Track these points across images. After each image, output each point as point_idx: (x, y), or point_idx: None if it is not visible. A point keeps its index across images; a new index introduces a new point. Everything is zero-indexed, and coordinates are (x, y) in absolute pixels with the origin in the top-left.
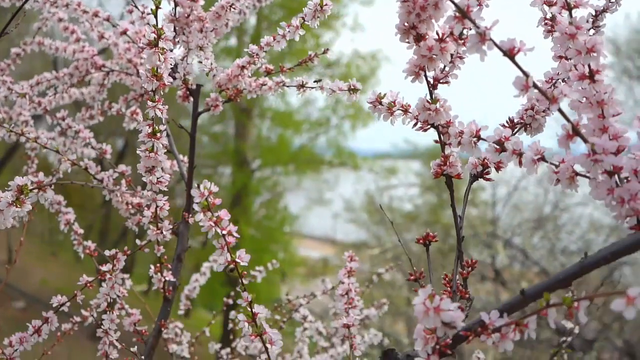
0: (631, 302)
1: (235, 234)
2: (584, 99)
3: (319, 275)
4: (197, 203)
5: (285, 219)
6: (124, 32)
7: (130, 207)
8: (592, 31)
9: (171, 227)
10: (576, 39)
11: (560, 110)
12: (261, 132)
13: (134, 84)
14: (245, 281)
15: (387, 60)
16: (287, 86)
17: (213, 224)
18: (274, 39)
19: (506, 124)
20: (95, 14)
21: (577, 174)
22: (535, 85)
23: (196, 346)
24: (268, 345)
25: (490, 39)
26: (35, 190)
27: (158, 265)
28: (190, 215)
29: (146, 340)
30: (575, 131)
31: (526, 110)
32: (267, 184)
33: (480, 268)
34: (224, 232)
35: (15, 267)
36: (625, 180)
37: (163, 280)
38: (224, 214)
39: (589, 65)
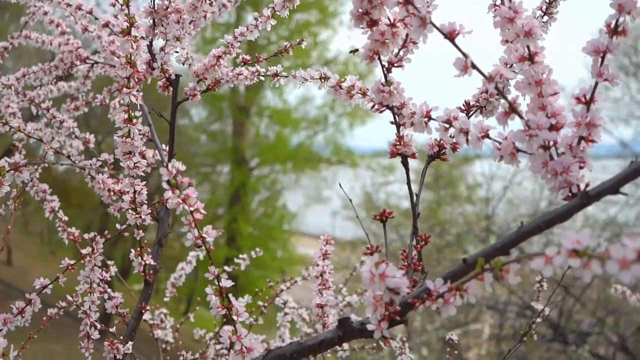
0: (549, 261)
1: (203, 211)
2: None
3: None
4: (165, 181)
5: (283, 217)
6: (106, 25)
7: (112, 194)
8: (545, 17)
9: (150, 211)
10: (515, 22)
11: (497, 89)
12: (259, 130)
13: (118, 76)
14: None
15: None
16: (263, 76)
17: (181, 201)
18: (247, 29)
19: (462, 107)
20: (79, 7)
21: (518, 150)
22: (473, 66)
23: (194, 344)
24: (234, 317)
25: (431, 23)
26: (12, 172)
27: (138, 249)
28: None
29: (128, 322)
30: (512, 108)
31: (481, 93)
32: (265, 182)
33: None
34: (192, 209)
35: (15, 267)
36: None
37: (143, 263)
38: (192, 192)
39: (528, 47)
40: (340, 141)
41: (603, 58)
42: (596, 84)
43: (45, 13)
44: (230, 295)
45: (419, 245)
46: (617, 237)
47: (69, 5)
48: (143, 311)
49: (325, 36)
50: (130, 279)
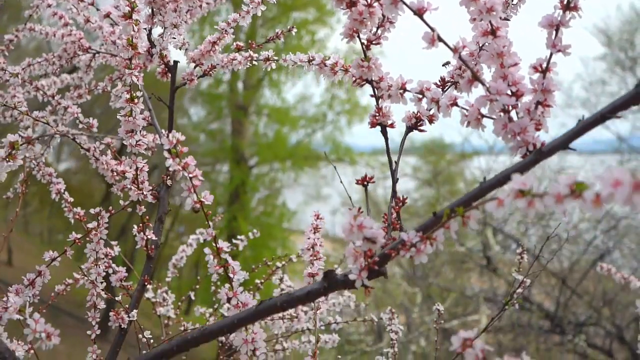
0: (501, 204)
1: (201, 178)
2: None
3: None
4: (166, 150)
5: (283, 215)
6: (107, 15)
7: (115, 174)
8: (515, 0)
9: (151, 188)
10: (478, 1)
11: (461, 59)
12: (258, 129)
13: (119, 64)
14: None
15: (382, 55)
16: (255, 60)
17: (181, 168)
18: (240, 15)
19: (438, 82)
20: None
21: (482, 115)
22: (440, 39)
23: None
24: (231, 275)
25: (401, 1)
26: (25, 145)
27: (141, 225)
28: (169, 178)
29: (131, 295)
30: (474, 77)
31: (455, 70)
32: (264, 180)
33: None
34: (191, 175)
35: (15, 267)
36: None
37: (145, 238)
38: (191, 160)
39: (490, 23)
40: (339, 139)
41: (557, 31)
42: (551, 54)
43: (49, 5)
44: (227, 256)
45: (397, 207)
46: (614, 228)
47: None
48: (146, 283)
49: (322, 34)
50: (132, 278)
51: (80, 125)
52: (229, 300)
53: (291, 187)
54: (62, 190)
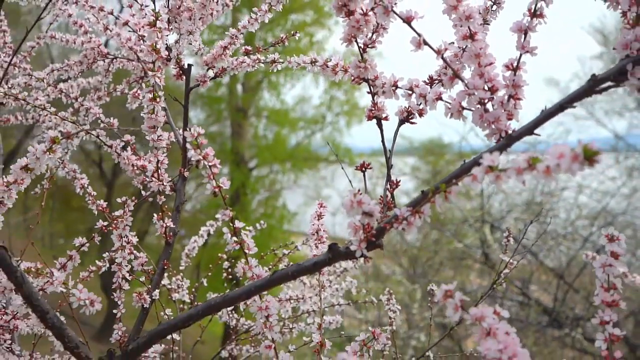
0: (475, 179)
1: (218, 166)
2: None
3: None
4: (188, 142)
5: (283, 216)
6: (126, 23)
7: (135, 168)
8: (495, 7)
9: (170, 179)
10: (457, 9)
11: (444, 59)
12: (257, 131)
13: (135, 69)
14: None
15: (380, 56)
16: (263, 62)
17: (202, 158)
18: (249, 22)
19: (426, 80)
20: (101, 9)
21: (463, 107)
22: (425, 42)
23: (200, 346)
24: (246, 251)
25: (392, 10)
26: (65, 139)
27: (160, 213)
28: (187, 170)
29: (152, 278)
30: (455, 75)
31: (441, 69)
32: (264, 182)
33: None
34: (211, 164)
35: None
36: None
37: (165, 226)
38: (210, 151)
39: (469, 28)
40: (338, 140)
41: (525, 34)
42: (520, 54)
43: (70, 15)
44: (242, 232)
45: (391, 189)
46: (610, 224)
47: (92, 7)
48: (165, 267)
49: (320, 36)
50: (135, 284)
51: (102, 125)
52: (244, 274)
53: (291, 188)
54: (86, 185)
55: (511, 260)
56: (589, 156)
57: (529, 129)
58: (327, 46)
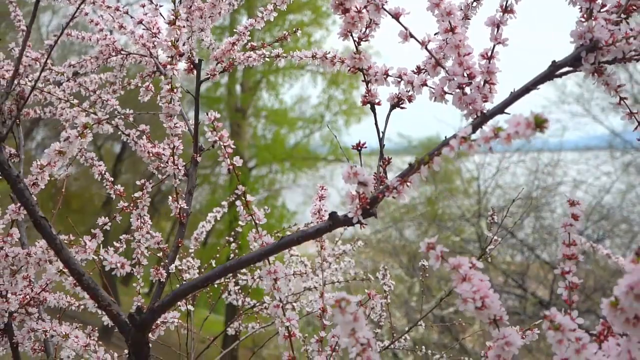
0: (451, 148)
1: (233, 146)
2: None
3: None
4: (206, 125)
5: (283, 216)
6: (140, 22)
7: (150, 155)
8: (475, 3)
9: (184, 164)
10: (439, 6)
11: (428, 50)
12: (256, 131)
13: (147, 64)
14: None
15: (378, 55)
16: (267, 57)
17: (218, 139)
18: (255, 21)
19: (415, 70)
20: (117, 9)
21: (445, 92)
22: (411, 35)
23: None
24: (257, 221)
25: (383, 8)
26: (96, 125)
27: (175, 195)
28: (199, 156)
29: (167, 255)
30: (437, 63)
31: (427, 59)
32: (263, 182)
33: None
34: (225, 144)
35: None
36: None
37: (179, 207)
38: (225, 133)
39: (449, 22)
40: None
41: (498, 27)
42: (494, 45)
43: (87, 14)
44: (253, 207)
45: (383, 165)
46: (605, 219)
47: (108, 7)
48: (179, 245)
49: (318, 36)
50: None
51: (118, 116)
52: (255, 240)
53: (290, 188)
54: (104, 172)
55: (495, 237)
56: (539, 123)
57: (500, 109)
58: (325, 45)
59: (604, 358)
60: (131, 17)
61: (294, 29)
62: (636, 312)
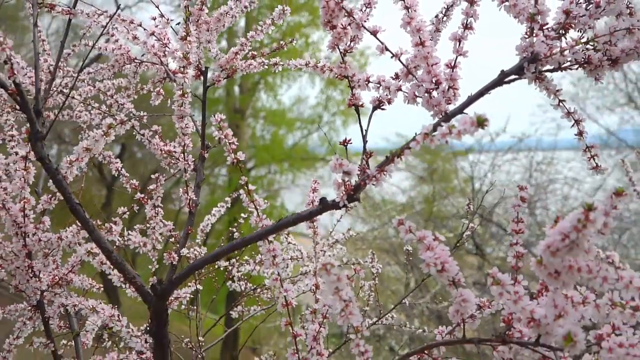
0: (417, 142)
1: (236, 143)
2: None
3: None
4: (213, 125)
5: (282, 216)
6: (152, 33)
7: (162, 152)
8: (445, 18)
9: (194, 159)
10: (411, 24)
11: (400, 61)
12: (255, 131)
13: (159, 71)
14: (244, 174)
15: (375, 57)
16: (267, 65)
17: (223, 137)
18: (256, 32)
19: (393, 76)
20: (131, 21)
21: (416, 95)
22: (386, 48)
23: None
24: (258, 207)
25: (363, 26)
26: (119, 125)
27: (185, 187)
28: (206, 152)
29: (178, 241)
30: (408, 72)
31: (402, 68)
32: (262, 182)
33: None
34: (230, 141)
35: None
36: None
37: (189, 198)
38: (229, 131)
39: (419, 37)
40: (335, 139)
41: (460, 42)
42: (456, 57)
43: (103, 26)
44: (255, 195)
45: (366, 157)
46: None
47: (123, 20)
48: (189, 232)
49: (316, 37)
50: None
51: (134, 118)
52: (256, 222)
53: (289, 188)
54: (120, 168)
55: (472, 225)
56: (481, 122)
57: (460, 110)
58: (322, 46)
59: (538, 307)
60: (144, 30)
61: (290, 40)
62: (555, 266)
